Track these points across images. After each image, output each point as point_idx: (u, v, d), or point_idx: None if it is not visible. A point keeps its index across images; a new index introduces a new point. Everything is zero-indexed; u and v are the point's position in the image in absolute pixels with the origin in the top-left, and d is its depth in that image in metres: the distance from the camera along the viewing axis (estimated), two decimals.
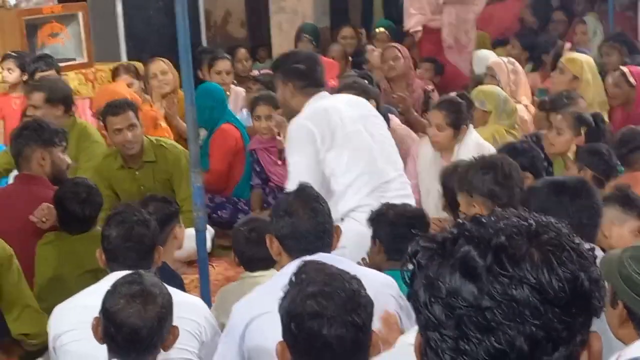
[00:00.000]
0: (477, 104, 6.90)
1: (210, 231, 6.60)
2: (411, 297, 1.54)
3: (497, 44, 10.26)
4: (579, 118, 5.77)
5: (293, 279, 2.91)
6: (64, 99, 6.84)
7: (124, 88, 7.81)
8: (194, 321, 3.94)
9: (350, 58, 9.79)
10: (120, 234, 4.04)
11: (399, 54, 8.26)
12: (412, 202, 5.34)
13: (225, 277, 6.44)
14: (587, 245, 1.55)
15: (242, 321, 3.69)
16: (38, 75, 7.67)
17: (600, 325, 1.59)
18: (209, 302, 5.08)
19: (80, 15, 9.09)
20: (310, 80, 5.46)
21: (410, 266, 1.56)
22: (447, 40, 9.34)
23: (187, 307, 3.94)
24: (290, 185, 4.95)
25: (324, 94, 5.50)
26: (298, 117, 5.39)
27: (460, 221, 1.56)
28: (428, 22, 9.51)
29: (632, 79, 7.34)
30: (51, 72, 7.73)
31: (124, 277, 3.44)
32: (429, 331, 1.51)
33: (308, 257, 3.50)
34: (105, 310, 3.33)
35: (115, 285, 3.38)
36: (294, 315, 2.82)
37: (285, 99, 5.56)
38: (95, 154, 6.82)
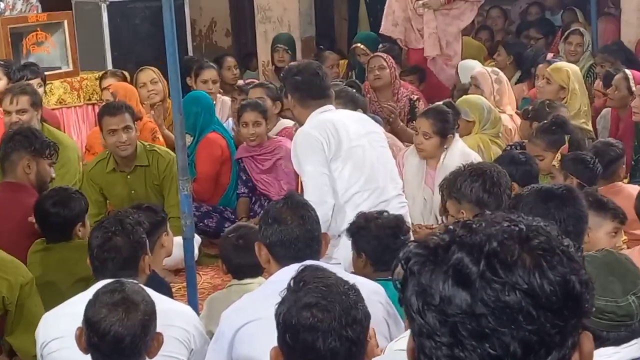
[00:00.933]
0: (461, 114, 6.93)
1: (196, 240, 6.60)
2: (403, 303, 1.54)
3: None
4: (555, 132, 5.80)
5: (291, 284, 2.91)
6: (40, 103, 6.90)
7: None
8: (183, 329, 3.94)
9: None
10: (98, 243, 4.04)
11: (385, 63, 8.27)
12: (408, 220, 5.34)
13: (212, 286, 6.45)
14: (575, 248, 1.56)
15: (230, 329, 3.70)
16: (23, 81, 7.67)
17: None
18: (196, 310, 5.08)
19: (65, 23, 9.08)
20: (307, 92, 5.45)
21: (402, 272, 1.55)
22: (429, 52, 9.36)
23: (176, 315, 3.95)
24: (311, 196, 4.96)
25: (328, 107, 5.48)
26: (303, 127, 5.40)
27: (451, 227, 1.55)
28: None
29: (632, 84, 7.36)
30: (37, 81, 7.72)
31: (105, 286, 3.44)
32: (422, 338, 1.51)
33: (296, 265, 3.51)
34: (87, 319, 3.32)
35: (97, 294, 3.38)
36: (289, 325, 2.81)
37: (291, 109, 5.61)
38: (69, 159, 6.83)
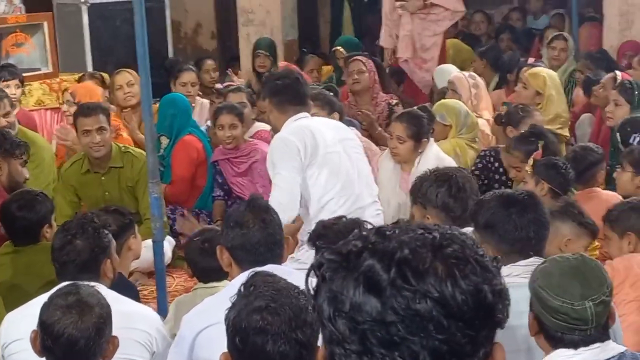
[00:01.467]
0: (437, 118, 6.93)
1: (170, 242, 6.60)
2: (315, 310, 1.53)
3: None
4: (533, 143, 5.80)
5: (242, 289, 2.91)
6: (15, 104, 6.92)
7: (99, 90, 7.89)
8: (144, 332, 3.92)
9: None
10: (58, 246, 4.02)
11: (364, 67, 8.25)
12: None
13: (185, 288, 6.41)
14: (490, 257, 1.54)
15: (191, 332, 3.68)
16: (2, 84, 7.64)
17: None
18: (165, 313, 5.08)
19: (45, 25, 9.05)
20: (285, 97, 5.47)
21: (315, 279, 1.54)
22: (401, 53, 9.34)
23: (138, 318, 3.94)
24: (281, 198, 5.08)
25: (304, 114, 5.50)
26: (281, 132, 5.40)
27: (365, 233, 1.54)
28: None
29: None
30: (15, 82, 7.70)
31: (60, 289, 3.44)
32: (332, 345, 1.49)
33: (258, 269, 3.50)
34: (41, 322, 3.31)
35: (52, 297, 3.37)
36: (239, 329, 2.82)
37: (268, 114, 5.61)
38: (43, 159, 6.82)
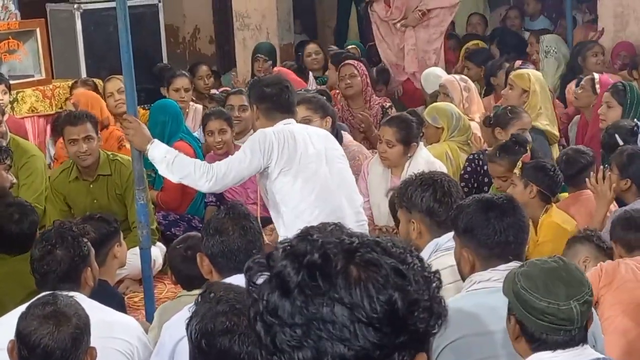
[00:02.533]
0: (430, 120, 6.91)
1: (161, 248, 6.58)
2: (234, 331, 1.54)
3: None
4: (518, 152, 5.77)
5: (199, 299, 2.90)
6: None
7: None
8: (125, 341, 3.91)
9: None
10: (37, 256, 4.01)
11: (355, 71, 8.24)
12: None
13: (175, 295, 6.39)
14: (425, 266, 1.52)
15: (171, 340, 3.67)
16: None
17: None
18: (152, 320, 5.05)
19: (37, 31, 9.02)
20: (273, 104, 5.43)
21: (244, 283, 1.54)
22: (408, 67, 9.39)
23: (119, 327, 3.93)
24: (222, 167, 5.15)
25: (289, 120, 5.47)
26: (266, 128, 5.36)
27: (290, 237, 1.54)
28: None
29: (597, 87, 7.37)
30: (0, 87, 7.66)
31: (37, 299, 3.45)
32: (254, 347, 1.51)
33: (239, 276, 3.48)
34: (18, 332, 3.32)
35: (29, 307, 3.38)
36: (205, 332, 2.81)
37: (253, 120, 5.59)
38: (36, 167, 6.81)
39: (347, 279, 1.45)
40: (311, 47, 10.57)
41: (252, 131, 7.55)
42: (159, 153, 5.27)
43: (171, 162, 5.24)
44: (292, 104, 5.57)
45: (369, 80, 8.36)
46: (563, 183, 5.69)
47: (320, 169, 5.40)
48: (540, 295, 2.98)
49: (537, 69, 8.61)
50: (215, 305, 2.85)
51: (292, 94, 5.55)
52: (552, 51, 9.30)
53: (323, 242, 1.50)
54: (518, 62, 8.40)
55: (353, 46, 10.39)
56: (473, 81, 8.60)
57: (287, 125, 5.41)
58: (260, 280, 1.51)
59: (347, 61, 8.46)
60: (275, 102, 5.44)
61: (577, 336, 3.02)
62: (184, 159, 5.30)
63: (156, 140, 5.33)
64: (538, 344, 3.03)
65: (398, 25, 9.51)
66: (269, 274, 1.50)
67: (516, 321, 3.05)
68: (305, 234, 1.53)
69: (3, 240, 5.03)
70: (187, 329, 2.86)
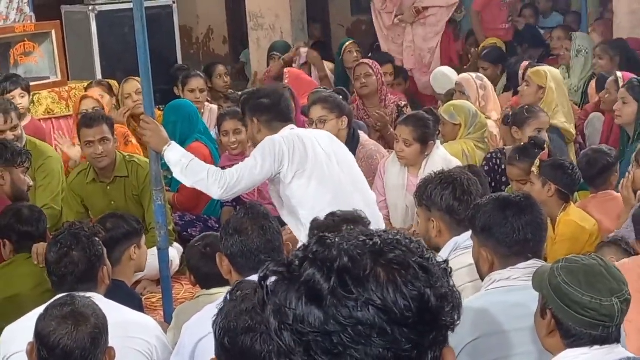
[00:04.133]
0: (447, 117, 6.90)
1: (178, 249, 6.58)
2: (265, 324, 1.52)
3: None
4: (536, 155, 5.74)
5: (228, 297, 2.91)
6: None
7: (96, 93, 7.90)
8: (144, 341, 3.92)
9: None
10: (54, 259, 4.02)
11: (371, 71, 8.22)
12: None
13: (193, 296, 6.40)
14: (439, 260, 1.53)
15: (191, 340, 3.68)
16: (6, 96, 7.63)
17: None
18: (171, 320, 5.06)
19: (53, 33, 9.04)
20: (274, 114, 5.41)
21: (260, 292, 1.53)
22: (406, 64, 9.42)
23: (137, 327, 3.94)
24: (234, 173, 5.15)
25: (292, 126, 5.46)
26: (275, 134, 5.33)
27: (307, 243, 1.53)
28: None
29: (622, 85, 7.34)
30: (18, 91, 7.68)
31: (56, 300, 3.47)
32: (282, 358, 1.48)
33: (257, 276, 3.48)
34: (37, 333, 3.33)
35: (48, 308, 3.39)
36: (228, 330, 2.82)
37: (254, 135, 5.52)
38: (52, 169, 6.82)
39: (377, 281, 1.45)
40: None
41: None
42: (175, 156, 5.26)
43: (185, 167, 5.23)
44: (292, 110, 5.56)
45: (384, 79, 8.35)
46: (582, 182, 5.67)
47: (332, 168, 5.39)
48: (583, 290, 2.96)
49: (566, 66, 8.60)
50: (240, 303, 2.86)
51: (289, 101, 5.55)
52: (583, 51, 9.25)
53: (347, 245, 1.49)
54: (525, 64, 8.35)
55: (351, 42, 10.30)
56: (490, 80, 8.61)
57: (292, 130, 5.40)
58: (281, 291, 1.50)
59: (362, 60, 8.45)
60: (274, 112, 5.42)
61: (613, 334, 3.00)
62: (198, 164, 5.28)
63: (173, 143, 5.32)
64: (573, 340, 3.00)
65: (395, 20, 9.52)
66: (290, 283, 1.49)
67: (552, 316, 3.02)
68: (323, 239, 1.52)
69: (25, 240, 5.04)
70: (213, 325, 2.88)
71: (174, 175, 5.40)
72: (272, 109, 5.41)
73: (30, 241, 5.04)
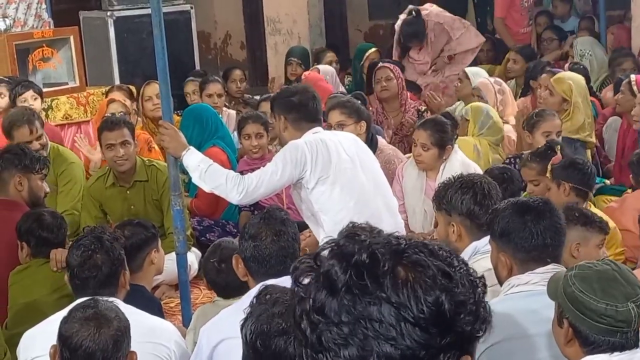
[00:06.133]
0: (462, 113, 6.92)
1: (196, 254, 6.59)
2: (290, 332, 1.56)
3: None
4: (550, 157, 5.73)
5: (255, 301, 2.91)
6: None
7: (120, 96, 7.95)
8: (163, 345, 3.93)
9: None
10: (77, 262, 4.04)
11: (392, 74, 8.22)
12: None
13: (211, 300, 6.40)
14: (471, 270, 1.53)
15: (209, 344, 3.69)
16: (18, 99, 7.66)
17: None
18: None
19: (71, 39, 9.09)
20: (302, 114, 5.39)
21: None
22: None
23: (157, 332, 3.96)
24: (253, 180, 5.15)
25: (318, 129, 5.44)
26: (297, 139, 5.32)
27: (337, 237, 1.55)
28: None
29: (635, 88, 7.31)
30: (30, 93, 7.68)
31: (79, 303, 3.49)
32: (300, 347, 1.52)
33: (272, 281, 3.48)
34: (60, 335, 3.36)
35: (71, 311, 3.42)
36: (260, 333, 2.82)
37: (280, 131, 5.52)
38: (74, 175, 6.84)
39: (394, 279, 1.47)
40: (330, 56, 10.52)
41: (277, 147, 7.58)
42: (194, 161, 5.25)
43: (204, 172, 5.22)
44: (320, 112, 5.53)
45: (404, 84, 8.35)
46: (604, 187, 5.68)
47: (356, 174, 5.37)
48: (598, 297, 2.94)
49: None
50: (272, 306, 2.86)
51: (318, 102, 5.51)
52: (586, 54, 9.25)
53: (371, 242, 1.51)
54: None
55: (374, 49, 10.33)
56: (514, 77, 8.63)
57: (317, 134, 5.38)
58: (306, 281, 1.53)
59: (383, 64, 8.46)
60: (303, 111, 5.40)
61: (631, 339, 2.98)
62: (217, 169, 5.28)
63: (192, 148, 5.33)
64: (592, 347, 2.98)
65: (429, 72, 9.58)
66: (315, 273, 1.52)
67: (569, 324, 3.01)
68: (353, 234, 1.55)
69: (42, 245, 5.07)
70: (241, 329, 2.87)
71: (193, 180, 5.41)
72: (300, 108, 5.40)
73: (47, 247, 5.07)
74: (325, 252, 1.53)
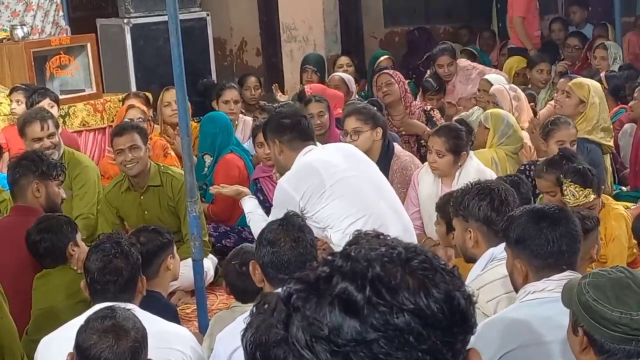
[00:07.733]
0: (482, 119, 6.92)
1: (213, 260, 6.61)
2: (289, 342, 1.54)
3: None
4: (562, 159, 5.73)
5: (254, 310, 2.92)
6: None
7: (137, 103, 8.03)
8: (179, 351, 3.94)
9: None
10: (98, 267, 4.05)
11: (392, 79, 8.28)
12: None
13: (227, 306, 6.41)
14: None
15: (225, 350, 3.70)
16: (35, 105, 7.70)
17: None
18: (206, 331, 5.08)
19: (88, 46, 9.13)
20: (295, 133, 5.42)
21: (283, 310, 1.55)
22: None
23: (172, 338, 3.96)
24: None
25: (310, 147, 5.45)
26: (282, 178, 5.40)
27: (330, 258, 1.56)
28: None
29: None
30: (47, 101, 7.71)
31: (96, 312, 3.47)
32: None
33: None
34: (78, 345, 3.35)
35: (88, 321, 3.41)
36: (259, 343, 2.81)
37: (275, 156, 5.55)
38: (89, 179, 6.87)
39: (409, 287, 1.49)
40: (342, 60, 10.55)
41: None
42: (247, 208, 5.90)
43: (249, 220, 5.83)
44: (312, 130, 5.59)
45: (407, 87, 8.40)
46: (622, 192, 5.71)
47: (353, 181, 5.37)
48: (612, 305, 2.93)
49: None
50: (270, 316, 2.85)
51: (309, 121, 5.61)
52: (618, 58, 9.25)
53: (374, 256, 1.53)
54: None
55: (386, 56, 10.35)
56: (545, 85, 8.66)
57: (307, 156, 5.39)
58: (304, 304, 1.52)
59: (382, 71, 8.55)
60: (296, 130, 5.43)
61: None
62: (257, 220, 5.68)
63: (247, 197, 5.99)
64: (607, 355, 2.95)
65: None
66: (316, 297, 1.51)
67: (584, 332, 2.99)
68: (347, 253, 1.55)
69: (39, 254, 5.08)
70: (242, 340, 2.88)
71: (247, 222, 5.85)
72: (293, 128, 5.43)
73: (50, 258, 5.06)
74: (325, 276, 1.52)
